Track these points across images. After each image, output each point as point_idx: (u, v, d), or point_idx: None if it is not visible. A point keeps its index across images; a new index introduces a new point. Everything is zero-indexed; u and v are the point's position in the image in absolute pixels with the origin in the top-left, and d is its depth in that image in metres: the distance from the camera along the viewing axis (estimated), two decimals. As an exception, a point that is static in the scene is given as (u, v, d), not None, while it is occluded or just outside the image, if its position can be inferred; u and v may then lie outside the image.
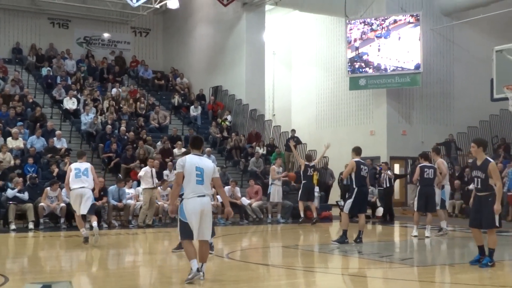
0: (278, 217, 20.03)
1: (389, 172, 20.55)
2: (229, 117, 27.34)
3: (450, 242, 14.77)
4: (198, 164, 8.61)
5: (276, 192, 20.02)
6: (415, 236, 14.90)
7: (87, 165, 13.42)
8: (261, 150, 24.48)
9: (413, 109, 27.00)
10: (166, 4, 29.26)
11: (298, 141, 25.31)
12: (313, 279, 9.93)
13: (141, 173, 18.21)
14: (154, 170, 18.16)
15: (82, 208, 13.08)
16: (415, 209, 15.16)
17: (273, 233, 17.71)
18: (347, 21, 26.80)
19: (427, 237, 14.70)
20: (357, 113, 27.75)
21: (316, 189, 21.18)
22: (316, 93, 30.02)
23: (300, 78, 31.37)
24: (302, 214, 19.18)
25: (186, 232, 8.52)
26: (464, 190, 22.06)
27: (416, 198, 15.19)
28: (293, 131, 25.73)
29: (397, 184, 24.87)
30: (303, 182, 19.04)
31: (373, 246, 13.97)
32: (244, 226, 18.77)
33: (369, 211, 21.82)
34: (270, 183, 20.30)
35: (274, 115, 30.98)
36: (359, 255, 12.25)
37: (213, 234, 9.52)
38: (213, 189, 10.41)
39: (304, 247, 14.12)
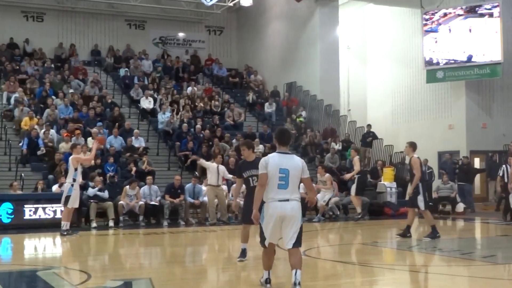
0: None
1: None
2: (303, 113, 27.23)
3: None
4: (282, 165, 7.46)
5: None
6: None
7: None
8: (337, 146, 24.27)
9: (494, 101, 26.06)
10: (239, 2, 29.42)
11: (374, 136, 24.99)
12: (390, 276, 9.72)
13: (207, 164, 17.99)
14: (221, 167, 17.84)
15: None
16: None
17: (349, 230, 17.51)
18: (423, 11, 26.16)
19: None
20: (434, 107, 26.98)
21: (393, 185, 20.84)
22: (392, 87, 29.40)
23: (376, 72, 30.85)
24: (359, 210, 18.54)
25: (265, 238, 7.73)
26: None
27: None
28: (369, 126, 25.42)
29: (477, 179, 24.19)
30: (357, 176, 18.26)
31: (453, 243, 13.61)
32: (320, 223, 18.63)
33: (448, 207, 21.37)
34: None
35: (349, 110, 30.57)
36: (439, 252, 11.92)
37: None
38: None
39: (382, 244, 13.88)
